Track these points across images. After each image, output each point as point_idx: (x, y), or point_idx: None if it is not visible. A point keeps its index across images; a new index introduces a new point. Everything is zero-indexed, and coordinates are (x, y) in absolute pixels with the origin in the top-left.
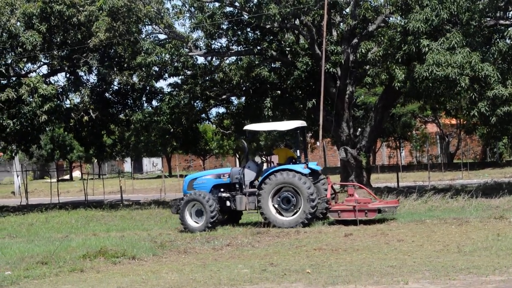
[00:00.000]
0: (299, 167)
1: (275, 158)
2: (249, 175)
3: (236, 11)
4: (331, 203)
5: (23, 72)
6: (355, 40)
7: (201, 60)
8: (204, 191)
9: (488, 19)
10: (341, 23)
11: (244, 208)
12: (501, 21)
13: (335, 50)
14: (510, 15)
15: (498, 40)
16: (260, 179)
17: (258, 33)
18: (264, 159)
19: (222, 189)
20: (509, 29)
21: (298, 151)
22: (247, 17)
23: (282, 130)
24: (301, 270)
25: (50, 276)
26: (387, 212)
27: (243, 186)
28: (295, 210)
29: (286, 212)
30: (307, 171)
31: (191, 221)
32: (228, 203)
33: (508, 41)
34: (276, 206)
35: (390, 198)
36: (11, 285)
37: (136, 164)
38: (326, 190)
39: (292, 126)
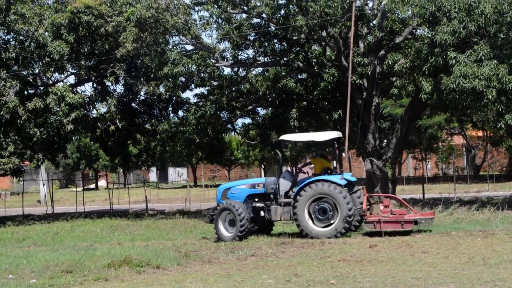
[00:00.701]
0: (336, 178)
1: (308, 168)
2: (284, 185)
3: (263, 22)
4: (366, 214)
5: (51, 82)
6: (382, 52)
7: (227, 71)
8: (238, 200)
9: None
10: (368, 35)
11: (279, 218)
12: None
13: (362, 62)
14: None
15: None
16: (295, 189)
17: (285, 45)
18: (298, 169)
19: (256, 199)
20: None
21: (335, 161)
22: (274, 28)
23: (319, 140)
24: (325, 281)
25: (75, 285)
26: (423, 224)
27: (278, 196)
28: (331, 221)
29: (321, 223)
30: (343, 182)
31: (224, 231)
32: (262, 213)
33: None
34: (312, 216)
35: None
36: None
37: (161, 173)
38: (361, 201)
39: (330, 137)
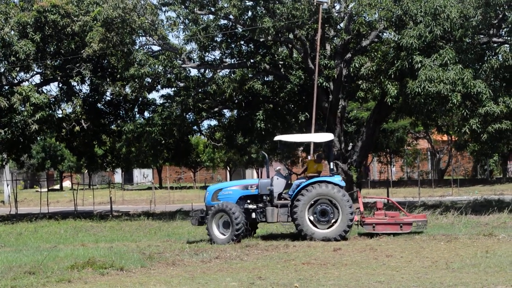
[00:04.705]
0: (336, 179)
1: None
2: (278, 186)
3: (230, 24)
4: (364, 216)
5: (16, 81)
6: (349, 55)
7: (194, 72)
8: (231, 202)
9: (481, 36)
10: (335, 38)
11: (276, 220)
12: (494, 39)
13: (328, 64)
14: (503, 32)
15: (490, 57)
16: (288, 190)
17: (252, 46)
18: (288, 171)
19: (248, 201)
20: (501, 46)
21: (332, 163)
22: (241, 30)
23: (316, 142)
24: (289, 284)
25: (38, 286)
26: (420, 226)
27: (273, 198)
28: (332, 223)
29: (322, 225)
30: (343, 183)
31: (217, 233)
32: (254, 215)
33: (500, 58)
34: (312, 218)
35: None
36: None
37: (126, 175)
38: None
39: (325, 139)
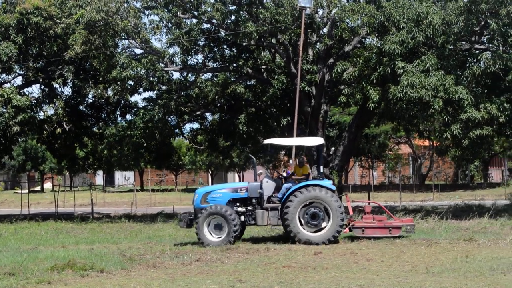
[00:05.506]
0: (327, 183)
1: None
2: (268, 189)
3: (213, 28)
4: (352, 219)
5: None
6: (331, 60)
7: (176, 75)
8: (222, 204)
9: (463, 42)
10: (318, 43)
11: (266, 223)
12: (476, 45)
13: (311, 69)
14: (485, 39)
15: (472, 63)
16: (278, 193)
17: (235, 50)
18: (282, 175)
19: (237, 204)
20: (483, 53)
21: (322, 167)
22: (224, 34)
23: (306, 145)
24: (269, 287)
25: (17, 287)
26: (408, 230)
27: (263, 201)
28: (320, 228)
29: (312, 228)
30: (334, 187)
31: (208, 235)
32: (243, 218)
33: (482, 65)
34: (303, 221)
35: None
36: None
37: (108, 177)
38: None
39: (315, 142)
